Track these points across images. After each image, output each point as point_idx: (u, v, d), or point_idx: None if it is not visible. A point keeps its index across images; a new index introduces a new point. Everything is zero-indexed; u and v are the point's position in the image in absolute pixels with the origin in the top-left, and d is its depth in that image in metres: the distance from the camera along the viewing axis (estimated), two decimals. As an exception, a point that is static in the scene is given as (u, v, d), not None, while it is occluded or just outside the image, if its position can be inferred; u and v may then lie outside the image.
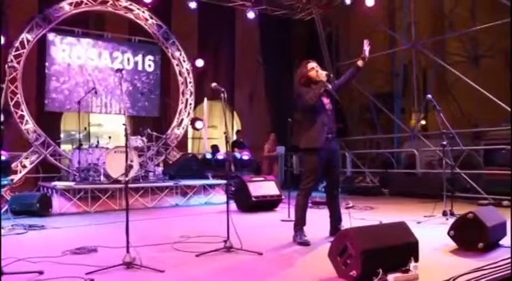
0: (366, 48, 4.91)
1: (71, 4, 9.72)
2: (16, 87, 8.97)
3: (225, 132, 4.45)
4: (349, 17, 13.87)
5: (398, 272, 3.10)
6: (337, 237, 3.41)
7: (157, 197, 8.38)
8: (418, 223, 5.57)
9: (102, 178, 8.27)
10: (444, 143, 6.18)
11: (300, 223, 4.72)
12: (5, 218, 6.19)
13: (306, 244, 4.53)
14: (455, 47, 12.61)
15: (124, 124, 3.70)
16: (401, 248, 3.31)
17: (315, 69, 4.77)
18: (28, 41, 9.23)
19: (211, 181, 9.36)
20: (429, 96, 6.48)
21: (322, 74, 4.69)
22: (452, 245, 4.20)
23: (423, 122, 13.37)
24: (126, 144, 3.82)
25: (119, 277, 3.43)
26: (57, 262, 3.84)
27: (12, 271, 3.36)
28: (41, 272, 3.45)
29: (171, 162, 10.70)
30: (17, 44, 9.04)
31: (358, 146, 13.47)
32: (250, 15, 12.21)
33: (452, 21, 12.26)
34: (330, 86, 4.79)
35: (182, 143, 11.75)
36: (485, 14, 10.77)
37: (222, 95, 4.36)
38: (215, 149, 11.66)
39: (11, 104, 8.82)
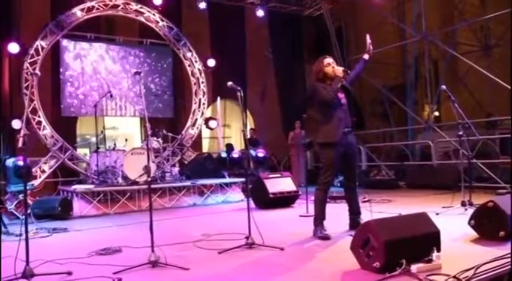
0: (368, 41, 4.97)
1: (82, 10, 9.83)
2: (33, 93, 9.11)
3: (242, 130, 4.51)
4: (358, 10, 13.86)
5: (421, 262, 3.13)
6: (359, 229, 3.44)
7: (175, 197, 8.47)
8: (437, 214, 5.55)
9: (120, 180, 8.38)
10: (461, 133, 6.17)
11: (319, 217, 4.75)
12: (28, 222, 6.30)
13: (326, 238, 4.56)
14: (466, 36, 12.56)
15: (145, 126, 3.77)
16: (423, 238, 3.33)
17: (331, 65, 4.82)
18: (42, 47, 9.36)
19: (227, 180, 9.42)
20: (443, 87, 6.46)
21: (339, 70, 4.75)
22: (473, 234, 4.21)
23: (436, 113, 13.33)
24: (147, 144, 3.89)
25: (146, 275, 3.51)
26: (84, 263, 3.94)
27: (42, 273, 3.45)
28: (69, 273, 3.55)
29: (186, 162, 10.78)
30: (31, 51, 9.18)
31: (371, 139, 13.46)
32: (260, 13, 12.24)
33: (463, 11, 12.20)
34: (345, 82, 4.84)
35: (197, 143, 11.83)
36: (496, 2, 10.70)
37: (239, 93, 4.39)
38: (230, 147, 11.73)
39: (29, 110, 8.95)
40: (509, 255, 3.25)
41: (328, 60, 4.87)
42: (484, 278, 2.96)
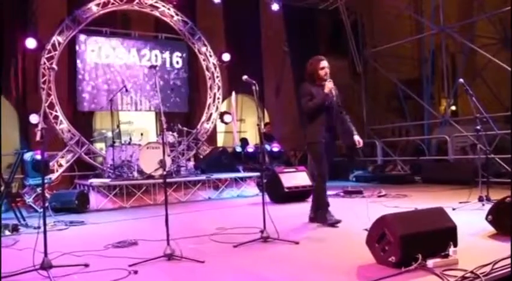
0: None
1: (98, 5, 9.87)
2: (50, 88, 9.19)
3: (258, 125, 4.51)
4: (374, 3, 13.70)
5: (437, 257, 3.11)
6: (375, 224, 3.41)
7: (190, 191, 8.51)
8: (454, 209, 5.50)
9: (135, 174, 8.45)
10: (478, 127, 6.08)
11: (325, 205, 5.04)
12: (46, 215, 6.40)
13: (337, 222, 4.86)
14: (485, 29, 12.32)
15: (160, 120, 3.79)
16: (440, 233, 3.30)
17: (325, 70, 5.09)
18: (59, 43, 9.44)
19: (242, 174, 9.43)
20: (461, 80, 6.38)
21: (328, 86, 4.94)
22: (491, 230, 4.16)
23: (453, 107, 13.16)
24: (163, 138, 3.92)
25: (162, 268, 3.53)
26: (100, 255, 3.99)
27: (60, 264, 3.51)
28: (86, 265, 3.60)
29: (201, 156, 10.81)
30: (48, 46, 9.26)
31: (387, 134, 13.35)
32: (275, 7, 12.18)
33: (482, 2, 11.98)
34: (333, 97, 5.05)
35: (212, 138, 11.84)
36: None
37: (254, 87, 4.39)
38: (245, 142, 11.73)
39: (46, 105, 9.05)
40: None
41: (324, 63, 5.13)
42: (502, 274, 2.92)
